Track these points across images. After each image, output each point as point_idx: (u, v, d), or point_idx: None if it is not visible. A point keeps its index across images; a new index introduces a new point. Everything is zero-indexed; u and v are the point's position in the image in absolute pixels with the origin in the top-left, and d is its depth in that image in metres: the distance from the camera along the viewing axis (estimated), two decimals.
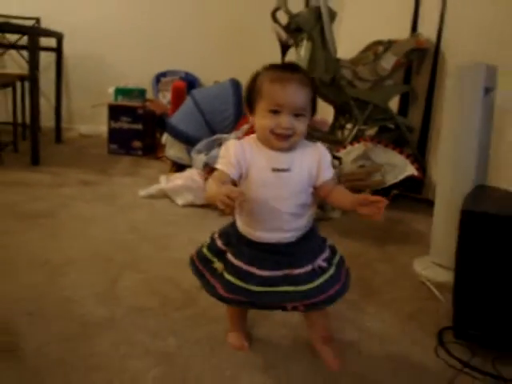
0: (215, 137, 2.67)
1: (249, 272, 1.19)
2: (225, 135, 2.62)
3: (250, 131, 2.50)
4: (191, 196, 2.51)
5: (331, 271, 1.23)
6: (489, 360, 1.37)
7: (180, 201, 2.52)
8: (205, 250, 1.29)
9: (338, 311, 1.53)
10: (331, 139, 3.10)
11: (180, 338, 1.37)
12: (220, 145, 2.57)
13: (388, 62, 2.89)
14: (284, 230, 1.21)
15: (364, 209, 1.09)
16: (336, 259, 1.28)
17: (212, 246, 1.29)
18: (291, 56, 2.93)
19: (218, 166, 1.17)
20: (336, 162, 2.61)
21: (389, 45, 2.99)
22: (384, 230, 2.40)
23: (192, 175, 2.59)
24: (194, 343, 1.36)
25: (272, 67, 1.19)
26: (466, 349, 1.42)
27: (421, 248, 2.07)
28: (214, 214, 2.37)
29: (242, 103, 2.93)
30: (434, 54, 2.96)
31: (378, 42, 3.09)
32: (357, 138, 2.95)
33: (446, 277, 1.70)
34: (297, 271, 1.20)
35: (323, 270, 1.22)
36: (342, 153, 2.85)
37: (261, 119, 1.15)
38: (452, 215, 1.56)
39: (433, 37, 2.98)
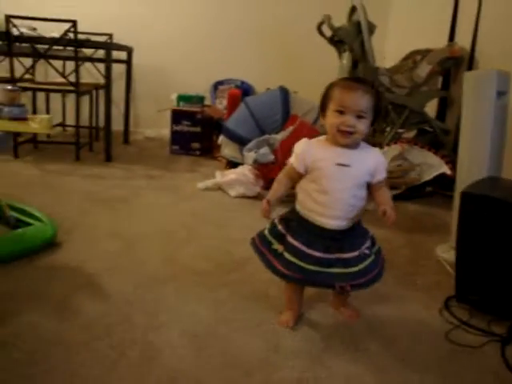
0: (264, 137, 3.01)
1: (306, 253, 1.40)
2: (273, 135, 2.96)
3: (296, 132, 2.84)
4: (242, 189, 2.87)
5: (372, 258, 1.47)
6: (485, 321, 1.63)
7: (232, 192, 2.89)
8: (266, 233, 1.51)
9: None
10: (371, 141, 3.38)
11: (229, 291, 1.72)
12: (268, 144, 2.92)
13: (423, 69, 3.15)
14: (341, 218, 1.43)
15: (383, 217, 1.39)
16: (375, 248, 1.51)
17: (272, 230, 1.50)
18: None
19: (291, 159, 1.45)
20: None
21: (425, 54, 3.25)
22: (414, 221, 2.66)
23: (243, 171, 2.95)
24: (241, 296, 1.70)
25: (343, 79, 1.52)
26: (466, 312, 1.68)
27: (446, 237, 2.31)
28: (258, 204, 2.72)
29: (288, 108, 3.27)
30: (468, 62, 3.19)
31: (417, 52, 3.36)
32: (394, 140, 3.22)
33: None
34: (346, 255, 1.42)
35: (366, 256, 1.45)
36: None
37: (330, 118, 1.38)
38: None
39: (468, 46, 3.21)
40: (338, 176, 1.40)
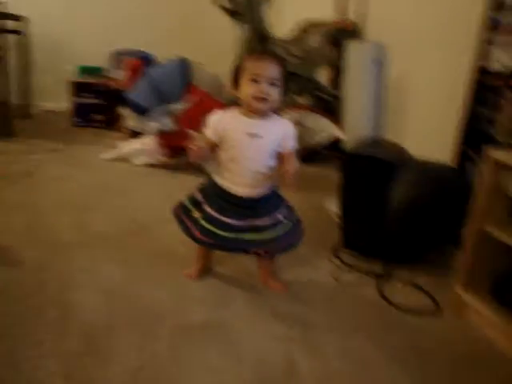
0: (165, 106, 3.09)
1: (219, 219, 1.51)
2: (174, 105, 3.04)
3: (201, 103, 2.94)
4: (146, 157, 2.97)
5: (287, 225, 1.57)
6: (366, 263, 1.89)
7: (136, 161, 2.98)
8: (186, 202, 1.60)
9: None
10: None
11: (137, 251, 1.85)
12: (170, 113, 3.00)
13: (315, 40, 3.35)
14: (251, 186, 1.52)
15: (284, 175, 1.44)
16: (294, 217, 1.61)
17: (192, 198, 1.59)
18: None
19: (205, 131, 1.52)
20: None
21: (317, 25, 3.46)
22: (313, 182, 2.90)
23: (146, 140, 3.03)
24: (149, 255, 1.83)
25: (254, 53, 1.61)
26: (351, 256, 1.94)
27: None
28: (162, 171, 2.86)
29: (188, 79, 3.34)
30: (357, 33, 3.43)
31: (309, 22, 3.55)
32: (291, 106, 3.41)
33: None
34: (259, 222, 1.52)
35: (280, 224, 1.55)
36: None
37: (244, 88, 1.45)
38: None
39: (356, 16, 3.45)
40: (246, 145, 1.48)
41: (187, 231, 1.57)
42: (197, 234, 1.54)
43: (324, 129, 3.31)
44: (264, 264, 1.71)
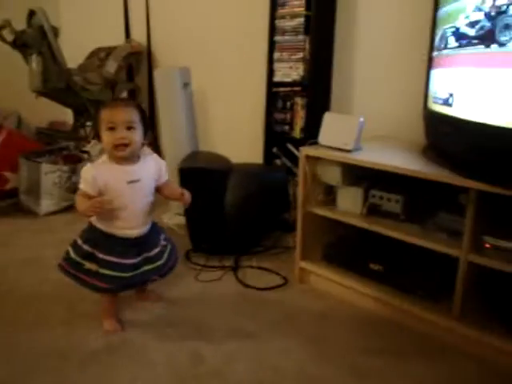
0: None
1: (123, 263, 1.54)
2: None
3: (7, 141, 2.84)
4: None
5: (169, 247, 1.69)
6: (217, 260, 2.15)
7: None
8: (73, 256, 1.57)
9: None
10: (75, 137, 3.59)
11: None
12: None
13: (111, 66, 3.48)
14: (142, 225, 1.58)
15: (182, 199, 1.61)
16: (168, 238, 1.72)
17: (79, 251, 1.56)
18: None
19: (81, 186, 1.50)
20: (85, 156, 3.12)
21: (109, 51, 3.59)
22: None
23: None
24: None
25: (107, 102, 1.59)
26: (204, 258, 2.18)
27: (166, 207, 2.75)
28: None
29: None
30: (147, 55, 3.67)
31: (100, 49, 3.66)
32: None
33: (183, 220, 2.43)
34: (152, 252, 1.61)
35: (165, 248, 1.67)
36: (88, 147, 3.35)
37: (105, 138, 1.48)
38: (176, 174, 2.28)
39: (144, 41, 3.67)
40: (131, 192, 1.53)
41: (86, 284, 1.56)
42: (101, 284, 1.55)
43: None
44: (143, 288, 1.82)
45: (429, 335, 1.60)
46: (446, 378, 1.42)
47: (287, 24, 2.40)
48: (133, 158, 1.53)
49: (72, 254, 1.57)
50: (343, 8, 2.36)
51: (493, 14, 1.33)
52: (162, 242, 1.67)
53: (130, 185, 1.51)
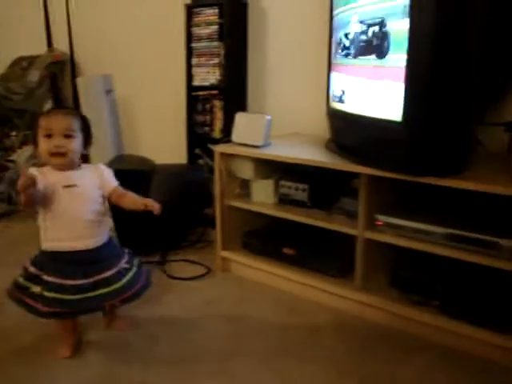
0: None
1: (64, 284, 1.42)
2: None
3: None
4: None
5: (133, 270, 1.55)
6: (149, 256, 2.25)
7: None
8: (21, 280, 1.48)
9: None
10: (0, 147, 3.58)
11: None
12: None
13: (34, 75, 3.50)
14: (86, 236, 1.47)
15: (149, 210, 1.46)
16: (136, 262, 1.61)
17: (26, 274, 1.48)
18: None
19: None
20: (12, 165, 3.13)
21: (31, 60, 3.60)
22: None
23: None
24: None
25: (48, 110, 1.54)
26: None
27: None
28: None
29: None
30: (70, 64, 3.70)
31: (22, 58, 3.66)
32: (24, 142, 3.50)
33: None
34: (106, 274, 1.47)
35: (127, 271, 1.53)
36: (14, 156, 3.35)
37: (41, 145, 1.42)
38: None
39: (67, 50, 3.71)
40: (68, 197, 1.44)
41: (30, 309, 1.46)
42: (41, 308, 1.43)
43: None
44: (111, 312, 1.68)
45: (336, 308, 1.80)
46: (347, 342, 1.61)
47: (202, 31, 2.55)
48: (71, 166, 1.47)
49: (19, 279, 1.50)
50: (254, 16, 2.54)
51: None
52: (123, 265, 1.54)
53: (66, 189, 1.44)
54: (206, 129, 2.66)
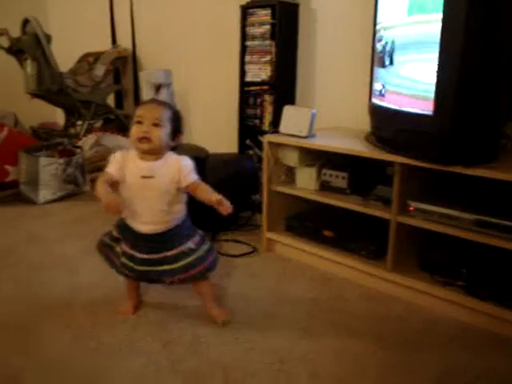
0: None
1: (133, 255, 1.59)
2: None
3: (10, 138, 3.14)
4: None
5: (199, 253, 1.61)
6: None
7: None
8: (107, 240, 1.67)
9: None
10: (68, 134, 3.91)
11: None
12: None
13: (99, 69, 3.81)
14: (156, 222, 1.57)
15: (220, 207, 1.49)
16: (205, 246, 1.65)
17: (111, 235, 1.67)
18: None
19: (107, 169, 1.54)
20: (78, 151, 3.43)
21: (97, 56, 3.92)
22: None
23: None
24: None
25: (143, 101, 1.72)
26: None
27: None
28: None
29: None
30: (132, 59, 4.00)
31: (88, 54, 3.99)
32: (89, 130, 3.81)
33: None
34: (170, 253, 1.58)
35: (192, 252, 1.60)
36: (80, 142, 3.67)
37: (131, 130, 1.53)
38: None
39: (129, 46, 4.00)
40: (143, 187, 1.54)
41: (113, 265, 1.69)
42: (120, 267, 1.65)
43: (122, 145, 3.79)
44: (202, 291, 1.74)
45: (368, 286, 1.97)
46: (380, 316, 1.77)
47: (256, 30, 2.76)
48: (154, 156, 1.55)
49: (105, 238, 1.69)
50: (304, 17, 2.72)
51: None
52: (190, 245, 1.62)
53: (144, 180, 1.53)
54: (257, 121, 2.87)
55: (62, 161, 3.12)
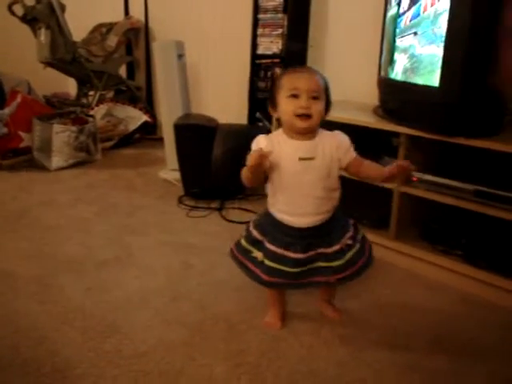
0: None
1: (285, 256, 1.35)
2: (1, 111, 3.22)
3: (23, 106, 3.19)
4: None
5: (357, 247, 1.42)
6: (206, 203, 2.55)
7: None
8: (243, 242, 1.44)
9: None
10: (80, 104, 3.97)
11: None
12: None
13: (112, 40, 3.85)
14: (314, 213, 1.35)
15: (401, 175, 1.36)
16: (359, 236, 1.45)
17: (249, 237, 1.43)
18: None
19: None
20: (91, 119, 3.48)
21: (110, 26, 3.95)
22: (136, 160, 3.43)
23: None
24: None
25: (289, 68, 1.38)
26: (193, 201, 2.58)
27: (163, 165, 3.16)
28: None
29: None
30: (145, 30, 4.02)
31: (101, 25, 4.02)
32: (100, 101, 3.87)
33: (178, 175, 2.81)
34: (327, 250, 1.37)
35: (350, 248, 1.40)
36: (92, 112, 3.73)
37: (284, 106, 1.30)
38: (172, 133, 2.67)
39: (142, 18, 4.02)
40: (301, 171, 1.32)
41: (251, 274, 1.42)
42: (263, 276, 1.38)
43: (132, 116, 3.85)
44: (325, 291, 1.60)
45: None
46: (381, 283, 1.83)
47: (269, 4, 2.78)
48: (310, 134, 1.34)
49: (242, 241, 1.46)
50: None
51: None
52: (347, 241, 1.41)
53: (302, 162, 1.32)
54: (267, 94, 2.90)
55: (74, 128, 3.18)
